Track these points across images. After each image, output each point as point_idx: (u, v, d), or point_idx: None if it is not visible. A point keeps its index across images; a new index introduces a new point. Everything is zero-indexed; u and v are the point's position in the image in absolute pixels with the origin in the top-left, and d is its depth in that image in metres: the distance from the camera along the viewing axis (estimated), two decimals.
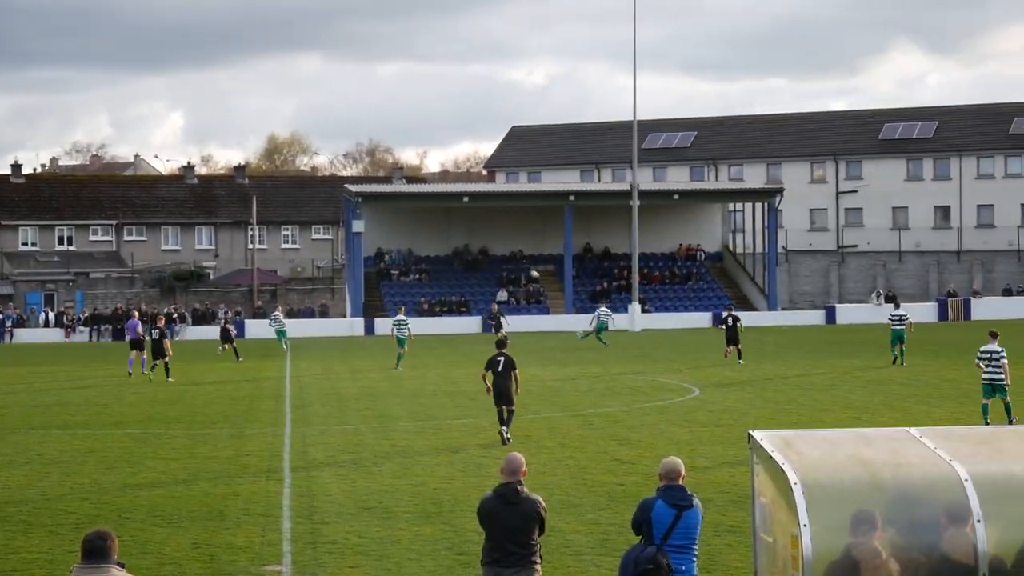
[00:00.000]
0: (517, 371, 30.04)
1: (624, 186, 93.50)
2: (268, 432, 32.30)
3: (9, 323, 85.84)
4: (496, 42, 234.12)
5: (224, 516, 21.25)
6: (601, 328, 66.47)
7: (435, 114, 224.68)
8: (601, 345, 63.61)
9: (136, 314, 61.62)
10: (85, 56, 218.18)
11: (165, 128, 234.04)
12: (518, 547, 12.99)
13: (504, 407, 29.76)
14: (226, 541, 19.35)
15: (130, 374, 50.64)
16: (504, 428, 29.61)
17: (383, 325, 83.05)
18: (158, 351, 49.33)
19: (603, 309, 69.81)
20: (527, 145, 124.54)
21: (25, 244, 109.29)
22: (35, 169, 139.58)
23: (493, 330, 68.22)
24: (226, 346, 62.73)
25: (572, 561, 17.90)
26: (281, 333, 66.03)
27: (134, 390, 45.13)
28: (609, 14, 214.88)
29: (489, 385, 30.00)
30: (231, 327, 65.73)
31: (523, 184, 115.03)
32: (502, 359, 29.93)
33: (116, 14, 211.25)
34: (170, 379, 48.28)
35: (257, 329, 79.84)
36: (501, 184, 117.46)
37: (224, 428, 33.25)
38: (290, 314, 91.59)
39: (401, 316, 55.09)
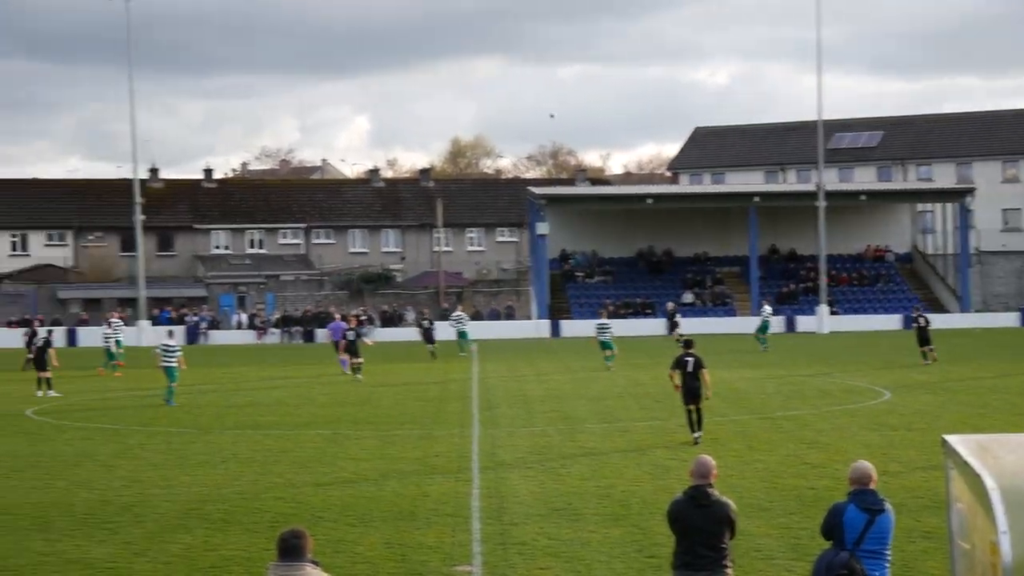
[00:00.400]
0: (706, 371, 30.07)
1: (810, 187, 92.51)
2: (456, 433, 32.54)
3: (204, 325, 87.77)
4: (677, 43, 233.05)
5: (415, 516, 21.46)
6: (763, 329, 65.23)
7: (617, 116, 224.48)
8: (764, 346, 62.73)
9: (338, 316, 62.72)
10: (272, 62, 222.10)
11: (351, 132, 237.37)
12: (709, 550, 12.92)
13: (693, 406, 29.79)
14: (417, 541, 19.54)
15: (346, 373, 51.51)
16: (697, 433, 29.67)
17: (569, 327, 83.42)
18: (353, 352, 50.43)
19: (766, 308, 68.96)
20: (711, 146, 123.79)
21: (218, 247, 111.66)
22: (226, 174, 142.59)
23: (669, 330, 68.01)
24: (431, 346, 63.92)
25: (763, 565, 17.74)
26: (463, 334, 66.53)
27: (324, 391, 45.81)
28: (792, 14, 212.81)
29: (677, 383, 30.03)
30: (433, 328, 66.69)
31: (707, 185, 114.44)
32: (691, 359, 30.01)
33: (302, 20, 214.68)
34: (360, 378, 49.18)
35: (446, 332, 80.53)
36: (685, 185, 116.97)
37: (413, 429, 33.58)
38: (476, 316, 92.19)
39: (604, 320, 54.67)
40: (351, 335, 51.41)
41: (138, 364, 57.02)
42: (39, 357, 46.65)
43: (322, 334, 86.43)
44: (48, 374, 46.10)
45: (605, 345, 52.67)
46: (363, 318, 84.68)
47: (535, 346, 72.92)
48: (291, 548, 10.57)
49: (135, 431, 34.12)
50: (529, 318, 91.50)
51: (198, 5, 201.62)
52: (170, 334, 45.50)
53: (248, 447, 30.53)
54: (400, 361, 61.19)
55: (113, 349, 57.00)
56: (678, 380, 29.98)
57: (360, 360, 50.74)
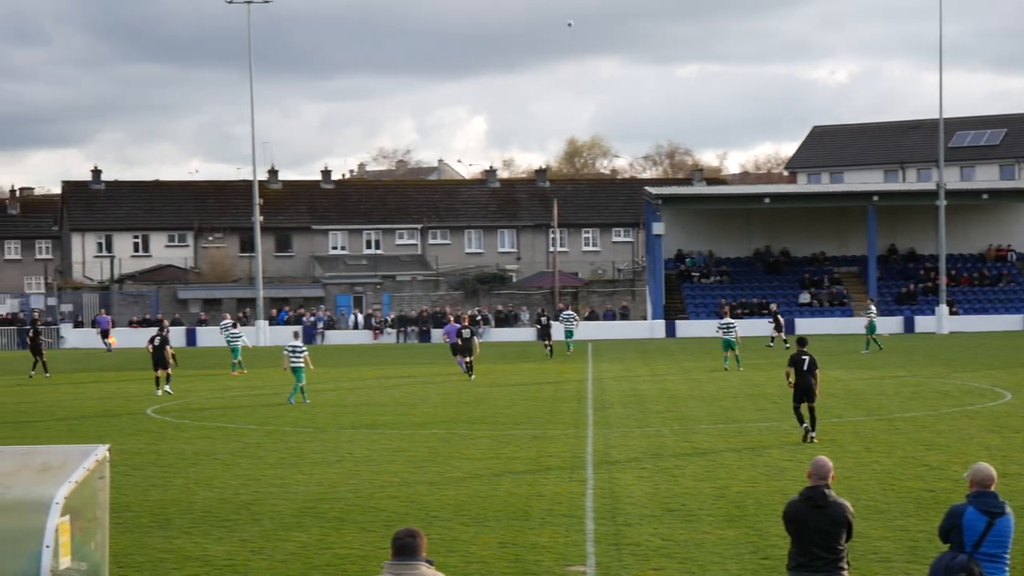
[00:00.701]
0: (818, 371, 30.16)
1: (930, 186, 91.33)
2: (570, 433, 32.51)
3: (320, 325, 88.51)
4: (796, 41, 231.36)
5: (528, 516, 21.46)
6: (871, 330, 64.24)
7: (734, 115, 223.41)
8: (867, 349, 61.92)
9: (453, 318, 63.06)
10: (390, 64, 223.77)
11: (467, 133, 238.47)
12: (826, 552, 12.78)
13: (807, 403, 29.81)
14: (531, 541, 19.53)
15: (463, 373, 51.86)
16: (811, 432, 29.68)
17: (684, 327, 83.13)
18: (467, 351, 50.71)
19: (871, 308, 68.13)
20: (829, 145, 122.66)
21: (335, 248, 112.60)
22: (344, 175, 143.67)
23: (773, 329, 67.57)
24: (548, 343, 64.26)
25: (880, 568, 17.53)
26: (569, 333, 66.67)
27: (439, 391, 45.99)
28: (913, 11, 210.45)
29: (792, 382, 30.09)
30: (550, 326, 67.08)
31: (825, 185, 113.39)
32: (807, 358, 30.10)
33: (419, 22, 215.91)
34: (472, 377, 49.38)
35: (556, 331, 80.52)
36: (802, 185, 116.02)
37: (527, 429, 33.60)
38: (591, 316, 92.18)
39: (727, 319, 54.29)
40: (466, 333, 51.72)
41: (255, 364, 57.64)
42: (157, 355, 47.31)
43: (437, 334, 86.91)
44: (167, 371, 46.88)
45: (728, 344, 52.24)
46: (478, 318, 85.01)
47: (650, 346, 72.69)
48: (406, 547, 10.60)
49: (252, 430, 34.48)
50: (644, 318, 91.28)
51: (319, 8, 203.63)
52: (296, 335, 46.06)
53: (363, 446, 30.72)
54: (515, 361, 61.26)
55: (238, 346, 57.57)
56: (793, 378, 30.05)
57: (471, 359, 51.07)
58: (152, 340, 48.30)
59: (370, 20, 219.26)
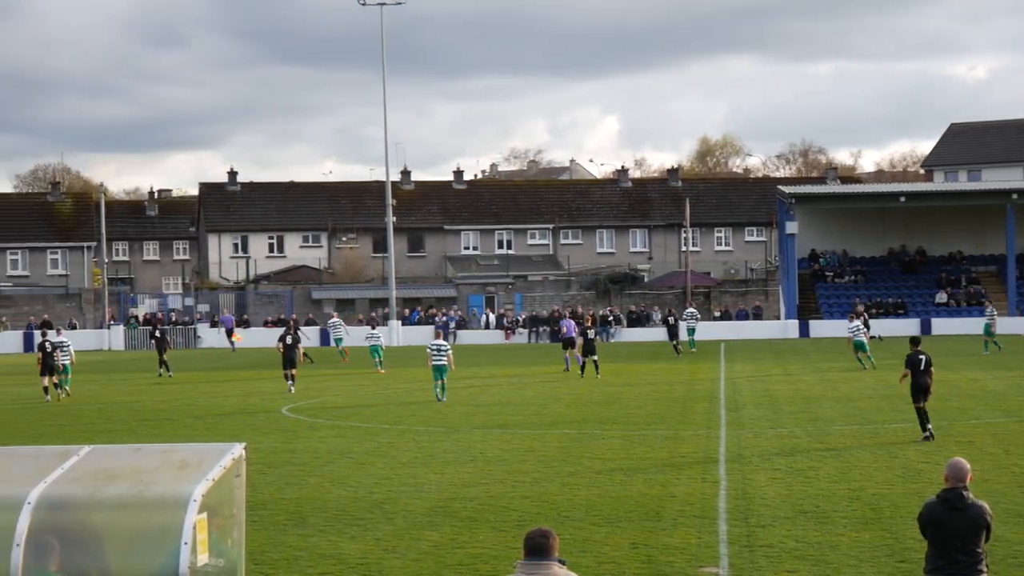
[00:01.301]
0: (933, 370, 30.64)
1: None
2: (702, 434, 32.35)
3: (452, 325, 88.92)
4: (933, 37, 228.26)
5: (660, 517, 21.39)
6: (987, 331, 63.14)
7: (869, 112, 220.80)
8: (987, 350, 60.80)
9: (568, 313, 63.94)
10: (523, 64, 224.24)
11: (600, 132, 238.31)
12: (963, 555, 12.59)
13: (922, 403, 30.14)
14: (663, 542, 19.46)
15: (566, 370, 52.79)
16: (927, 430, 29.92)
17: (818, 327, 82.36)
18: (588, 350, 50.81)
19: (989, 309, 67.03)
20: (967, 142, 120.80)
21: (467, 248, 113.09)
22: (476, 176, 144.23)
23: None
24: (675, 342, 64.45)
25: (1019, 573, 17.26)
26: (691, 331, 66.55)
27: (570, 391, 45.99)
28: None
29: (906, 378, 30.57)
30: (677, 325, 67.34)
31: (962, 183, 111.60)
32: (923, 357, 30.36)
33: (554, 22, 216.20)
34: (598, 376, 49.75)
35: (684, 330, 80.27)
36: (939, 183, 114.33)
37: (659, 429, 33.49)
38: (724, 316, 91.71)
39: (856, 322, 53.88)
40: (590, 333, 52.08)
41: (387, 363, 58.02)
42: (288, 354, 48.00)
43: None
44: (294, 371, 47.85)
45: (859, 346, 51.90)
46: (609, 318, 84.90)
47: (783, 346, 72.10)
48: (538, 547, 10.62)
49: (385, 429, 34.73)
50: (777, 318, 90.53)
51: (453, 9, 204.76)
52: (438, 333, 46.84)
53: (495, 446, 30.80)
54: (646, 361, 61.08)
55: (377, 345, 58.34)
56: (908, 377, 30.48)
57: (594, 357, 51.43)
58: (283, 339, 49.01)
59: (504, 20, 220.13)
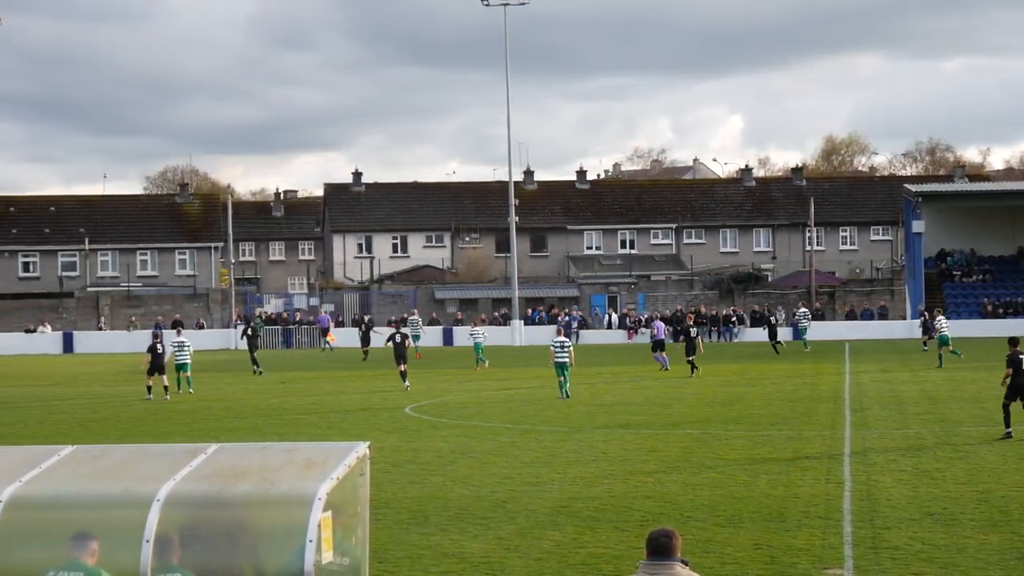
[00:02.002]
0: None
1: None
2: (827, 434, 32.08)
3: (575, 324, 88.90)
4: None
5: (784, 518, 21.24)
6: None
7: (999, 109, 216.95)
8: None
9: (659, 316, 64.88)
10: (648, 63, 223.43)
11: (724, 131, 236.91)
12: None
13: (1020, 401, 30.41)
14: (786, 543, 19.33)
15: (665, 369, 54.28)
16: (1009, 429, 30.18)
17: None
18: (690, 349, 52.24)
19: None
20: None
21: (589, 248, 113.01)
22: (598, 175, 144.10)
23: (924, 332, 66.96)
24: (775, 343, 64.58)
25: None
26: (803, 330, 66.17)
27: (694, 391, 45.82)
28: None
29: (1006, 380, 30.90)
30: (777, 324, 67.67)
31: None
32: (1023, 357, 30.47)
33: (677, 21, 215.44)
34: (691, 376, 50.87)
35: (816, 331, 79.69)
36: None
37: (782, 429, 33.25)
38: (849, 315, 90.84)
39: (941, 318, 55.21)
40: (694, 331, 52.96)
41: (509, 363, 58.20)
42: (398, 351, 48.78)
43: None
44: (404, 367, 48.88)
45: (944, 341, 53.81)
46: (733, 318, 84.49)
47: (909, 346, 71.20)
48: (661, 547, 10.61)
49: (508, 429, 34.82)
50: (903, 318, 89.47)
51: (577, 8, 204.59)
52: (560, 331, 48.28)
53: (618, 446, 30.77)
54: (770, 361, 60.65)
55: (480, 342, 60.14)
56: (1010, 379, 30.71)
57: (691, 358, 52.24)
58: (392, 338, 49.95)
59: (629, 19, 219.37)
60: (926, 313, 68.71)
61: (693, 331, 52.99)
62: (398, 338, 50.11)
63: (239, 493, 11.32)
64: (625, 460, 28.26)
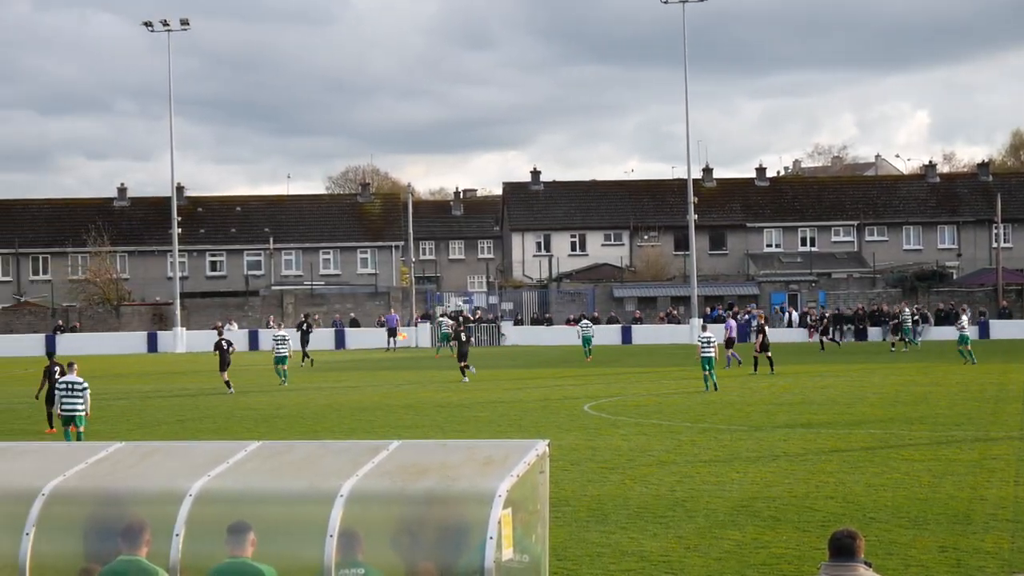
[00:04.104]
0: None
1: None
2: (1015, 435, 31.41)
3: (754, 323, 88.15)
4: None
5: (970, 520, 20.83)
6: None
7: None
8: None
9: (731, 314, 65.57)
10: (831, 58, 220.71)
11: (910, 127, 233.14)
12: None
13: None
14: (973, 546, 18.96)
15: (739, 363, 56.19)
16: None
17: None
18: (764, 346, 54.62)
19: None
20: None
21: (769, 246, 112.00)
22: (778, 172, 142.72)
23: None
24: (899, 339, 64.27)
25: None
26: (963, 339, 64.43)
27: (876, 390, 45.20)
28: None
29: None
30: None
31: None
32: None
33: (863, 14, 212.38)
34: (772, 373, 53.14)
35: (1003, 329, 78.16)
36: None
37: (968, 430, 32.63)
38: None
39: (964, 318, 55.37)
40: (767, 328, 55.50)
41: (686, 361, 57.92)
42: (460, 349, 54.26)
43: (875, 332, 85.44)
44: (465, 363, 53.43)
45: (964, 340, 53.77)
46: (915, 317, 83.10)
47: None
48: (844, 548, 10.51)
49: (687, 427, 34.68)
50: None
51: (758, 3, 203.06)
52: (704, 327, 52.35)
53: (798, 445, 30.47)
54: (956, 360, 59.51)
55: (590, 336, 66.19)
56: None
57: (768, 354, 54.27)
58: (457, 336, 56.19)
59: (812, 14, 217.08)
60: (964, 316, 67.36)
61: (767, 328, 55.81)
62: (463, 336, 54.83)
63: (420, 489, 11.43)
64: (806, 460, 27.97)
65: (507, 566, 11.14)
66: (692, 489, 24.34)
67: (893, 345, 74.07)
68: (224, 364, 50.19)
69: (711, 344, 46.12)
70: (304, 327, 66.29)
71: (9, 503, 12.05)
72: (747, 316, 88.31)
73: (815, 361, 62.53)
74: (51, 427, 36.44)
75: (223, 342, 51.37)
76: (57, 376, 35.35)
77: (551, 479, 12.61)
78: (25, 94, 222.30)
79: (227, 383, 49.80)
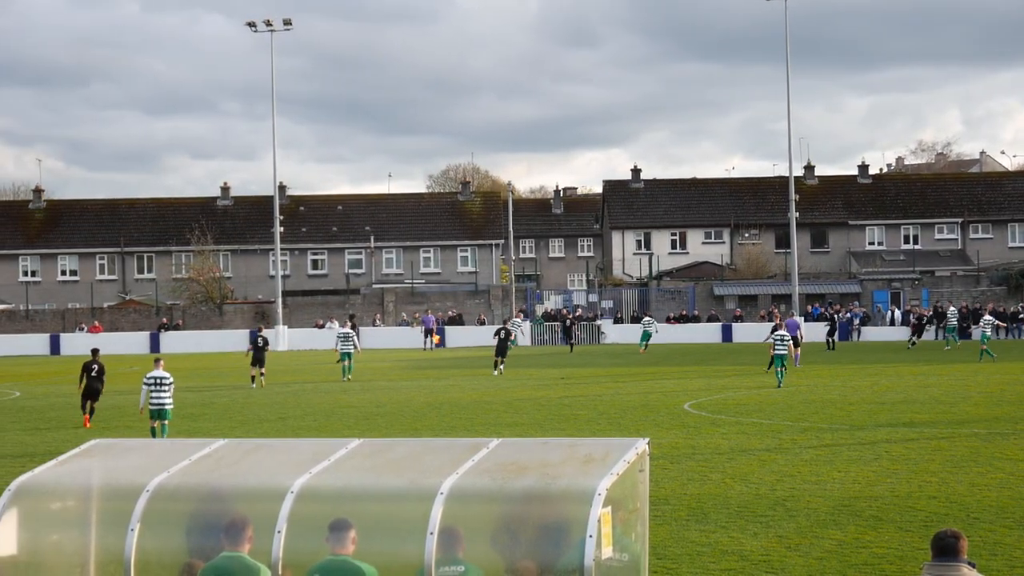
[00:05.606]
0: None
1: None
2: None
3: (856, 321, 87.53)
4: None
5: None
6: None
7: None
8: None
9: (778, 316, 65.12)
10: (938, 53, 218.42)
11: (1017, 123, 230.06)
12: None
13: None
14: None
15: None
16: None
17: None
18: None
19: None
20: None
21: (872, 243, 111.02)
22: (881, 169, 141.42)
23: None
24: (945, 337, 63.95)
25: None
26: (984, 337, 63.38)
27: (980, 389, 44.69)
28: None
29: None
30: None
31: None
32: None
33: (974, 8, 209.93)
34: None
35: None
36: None
37: None
38: None
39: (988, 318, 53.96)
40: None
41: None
42: (500, 346, 56.59)
43: (976, 333, 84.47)
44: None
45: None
46: (1020, 315, 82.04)
47: None
48: (948, 548, 10.44)
49: (788, 426, 34.47)
50: None
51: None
52: (780, 325, 52.36)
53: (901, 445, 30.20)
54: None
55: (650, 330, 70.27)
56: None
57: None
58: (498, 334, 57.32)
59: (919, 9, 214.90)
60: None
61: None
62: (503, 334, 56.96)
63: (520, 487, 11.47)
64: (908, 459, 27.71)
65: (606, 564, 11.16)
66: (793, 488, 24.21)
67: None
68: (258, 361, 52.10)
69: (784, 342, 48.14)
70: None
71: (115, 499, 12.25)
72: (848, 314, 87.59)
73: (918, 360, 61.89)
74: (88, 422, 38.13)
75: (260, 339, 52.73)
76: (93, 373, 38.56)
77: (651, 477, 12.61)
78: (133, 95, 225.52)
79: (252, 378, 51.88)
